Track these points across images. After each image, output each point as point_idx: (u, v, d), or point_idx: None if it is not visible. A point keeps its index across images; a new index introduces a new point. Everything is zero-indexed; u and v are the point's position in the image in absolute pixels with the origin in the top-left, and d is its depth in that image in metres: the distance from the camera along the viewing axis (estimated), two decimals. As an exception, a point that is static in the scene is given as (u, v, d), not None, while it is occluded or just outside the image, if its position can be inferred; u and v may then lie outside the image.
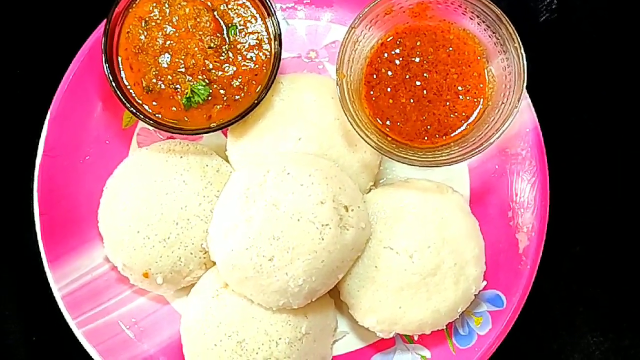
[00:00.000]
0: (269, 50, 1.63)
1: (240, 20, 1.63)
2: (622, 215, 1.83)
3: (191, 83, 1.61)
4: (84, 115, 1.71)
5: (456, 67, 1.60)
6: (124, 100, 1.60)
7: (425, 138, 1.61)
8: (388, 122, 1.61)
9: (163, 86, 1.61)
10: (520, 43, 1.52)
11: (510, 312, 1.65)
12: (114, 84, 1.59)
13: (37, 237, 1.66)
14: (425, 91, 1.60)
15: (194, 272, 1.64)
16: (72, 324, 1.65)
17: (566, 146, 1.82)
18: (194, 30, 1.61)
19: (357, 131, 1.54)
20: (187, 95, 1.61)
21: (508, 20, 1.52)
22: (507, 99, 1.54)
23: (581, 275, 1.82)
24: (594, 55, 1.86)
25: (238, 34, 1.63)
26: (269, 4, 1.61)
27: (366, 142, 1.55)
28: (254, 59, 1.63)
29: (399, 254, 1.57)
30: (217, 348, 1.57)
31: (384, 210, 1.61)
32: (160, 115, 1.62)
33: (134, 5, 1.62)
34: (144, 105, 1.62)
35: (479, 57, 1.60)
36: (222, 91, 1.62)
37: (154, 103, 1.62)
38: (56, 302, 1.65)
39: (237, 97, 1.62)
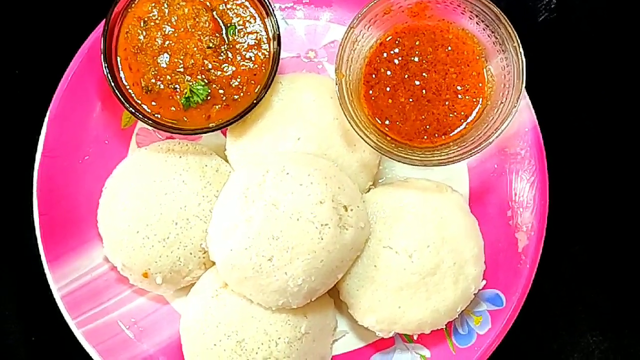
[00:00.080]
0: (268, 50, 1.63)
1: (239, 20, 1.63)
2: (621, 215, 1.83)
3: (190, 83, 1.61)
4: (83, 115, 1.71)
5: (455, 67, 1.60)
6: (123, 100, 1.60)
7: (425, 137, 1.61)
8: (387, 122, 1.61)
9: (162, 86, 1.61)
10: (519, 42, 1.52)
11: (509, 311, 1.65)
12: (113, 84, 1.59)
13: (36, 237, 1.66)
14: (424, 91, 1.60)
15: (193, 272, 1.64)
16: (71, 324, 1.65)
17: (565, 145, 1.82)
18: (193, 30, 1.61)
19: (356, 131, 1.54)
20: (186, 95, 1.60)
21: (507, 19, 1.52)
22: (506, 99, 1.54)
23: (581, 274, 1.82)
24: (593, 55, 1.86)
25: (237, 33, 1.63)
26: (268, 4, 1.61)
27: (365, 141, 1.55)
28: (253, 58, 1.62)
29: (399, 254, 1.57)
30: (216, 348, 1.57)
31: (383, 209, 1.61)
32: (159, 115, 1.62)
33: (133, 5, 1.62)
34: (143, 105, 1.62)
35: (478, 57, 1.60)
36: (221, 91, 1.62)
37: (153, 103, 1.62)
38: (56, 302, 1.65)
39: (236, 97, 1.62)
